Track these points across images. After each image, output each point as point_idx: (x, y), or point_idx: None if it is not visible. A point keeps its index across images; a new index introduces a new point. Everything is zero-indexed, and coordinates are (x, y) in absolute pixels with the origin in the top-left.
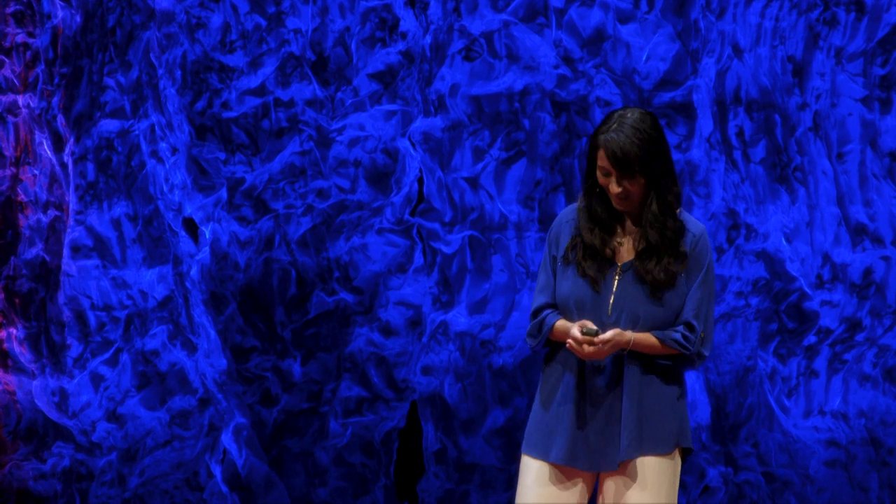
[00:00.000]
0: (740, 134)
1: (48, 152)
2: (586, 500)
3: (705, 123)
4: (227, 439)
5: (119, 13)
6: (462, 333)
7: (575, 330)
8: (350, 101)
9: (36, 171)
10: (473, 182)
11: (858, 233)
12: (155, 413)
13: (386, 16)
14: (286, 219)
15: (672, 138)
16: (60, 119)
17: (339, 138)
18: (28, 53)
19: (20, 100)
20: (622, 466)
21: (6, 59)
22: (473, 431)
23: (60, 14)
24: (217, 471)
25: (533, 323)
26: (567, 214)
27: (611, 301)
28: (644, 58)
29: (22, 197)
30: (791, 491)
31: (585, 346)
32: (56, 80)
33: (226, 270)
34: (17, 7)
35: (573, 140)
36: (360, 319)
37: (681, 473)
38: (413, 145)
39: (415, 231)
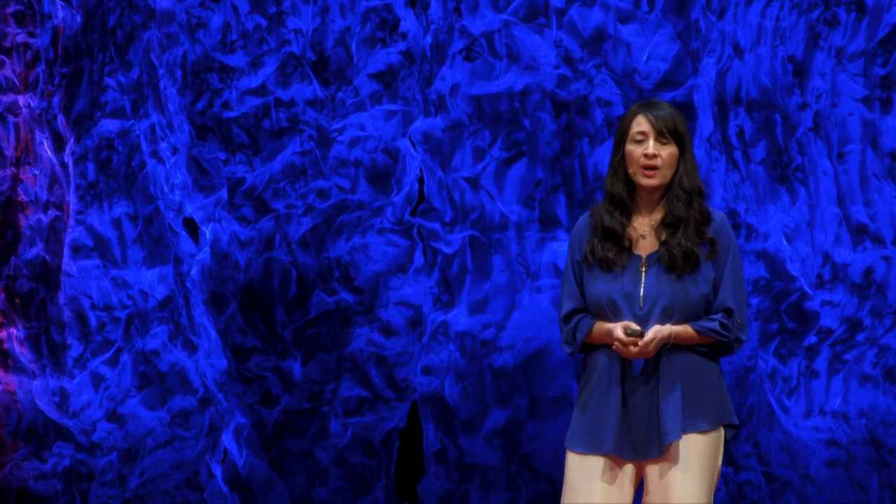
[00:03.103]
0: (741, 134)
1: (49, 152)
2: (633, 490)
3: (706, 123)
4: (227, 439)
5: (119, 13)
6: (462, 333)
7: (619, 331)
8: (350, 101)
9: (36, 171)
10: (474, 182)
11: (859, 233)
12: (155, 413)
13: (386, 16)
14: (287, 219)
15: None
16: (61, 119)
17: (339, 138)
18: (28, 53)
19: (21, 100)
20: (665, 449)
21: (7, 59)
22: (474, 431)
23: (61, 14)
24: (217, 471)
25: (566, 330)
26: (586, 219)
27: (640, 294)
28: (644, 58)
29: (22, 197)
30: (791, 491)
31: (631, 347)
32: (56, 80)
33: (226, 270)
34: (18, 7)
35: (574, 140)
36: (361, 319)
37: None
38: (413, 145)
39: (415, 231)
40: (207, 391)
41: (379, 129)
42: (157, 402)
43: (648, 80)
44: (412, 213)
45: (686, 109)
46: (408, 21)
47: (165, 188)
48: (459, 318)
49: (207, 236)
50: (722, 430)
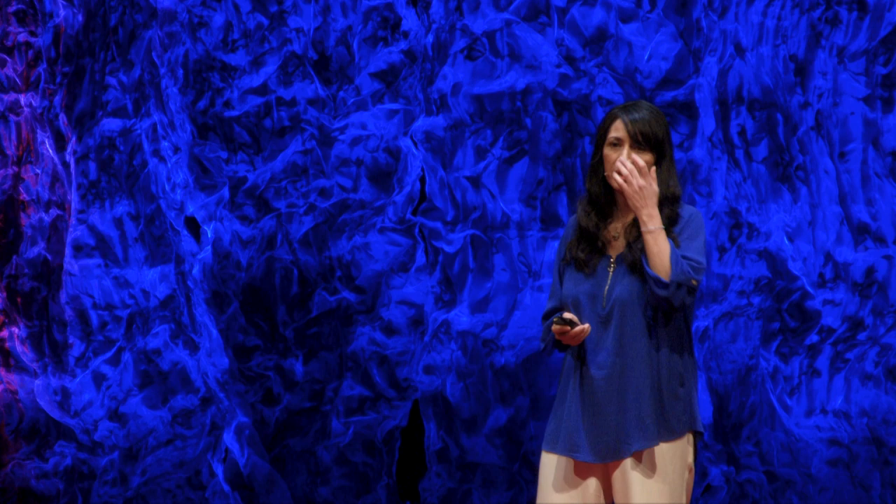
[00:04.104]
0: (742, 133)
1: (50, 151)
2: (601, 495)
3: (707, 122)
4: (229, 438)
5: (121, 12)
6: (464, 332)
7: (555, 324)
8: (352, 100)
9: (38, 170)
10: (475, 181)
11: (860, 232)
12: (157, 412)
13: (388, 15)
14: (288, 218)
15: (674, 137)
16: (62, 118)
17: (341, 137)
18: (30, 52)
19: (22, 99)
20: (630, 455)
21: (8, 58)
22: (475, 430)
23: (62, 13)
24: (219, 470)
25: (543, 327)
26: (572, 221)
27: (605, 292)
28: (646, 57)
29: (24, 196)
30: (793, 490)
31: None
32: (58, 79)
33: (228, 269)
34: (20, 6)
35: (575, 139)
36: (363, 318)
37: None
38: (415, 144)
39: (417, 230)
40: (209, 390)
41: (380, 128)
42: (159, 401)
43: (650, 79)
44: (414, 212)
45: (687, 108)
46: (409, 20)
47: (167, 187)
48: (461, 317)
49: (209, 235)
50: (690, 436)
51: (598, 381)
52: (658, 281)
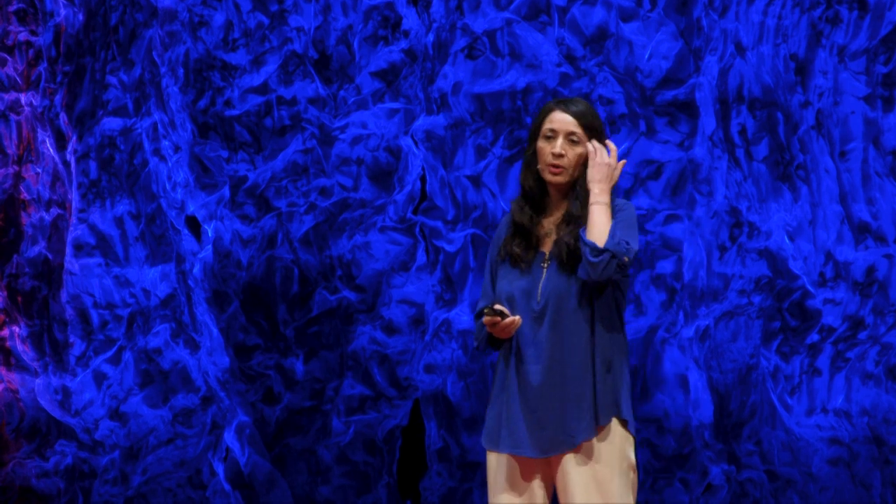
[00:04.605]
0: (743, 132)
1: (51, 150)
2: (546, 488)
3: (708, 121)
4: (229, 437)
5: (122, 11)
6: (465, 331)
7: (486, 316)
8: (353, 99)
9: (38, 169)
10: (476, 180)
11: (861, 231)
12: (158, 411)
13: (388, 14)
14: (289, 217)
15: (675, 136)
16: (63, 117)
17: (341, 136)
18: (31, 51)
19: (23, 98)
20: (568, 449)
21: (9, 58)
22: (476, 429)
23: (63, 12)
24: (220, 469)
25: (476, 326)
26: (506, 219)
27: (539, 288)
28: (647, 56)
29: (24, 195)
30: (794, 489)
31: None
32: (59, 79)
33: (228, 268)
34: (20, 5)
35: None
36: (363, 317)
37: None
38: (416, 143)
39: (417, 229)
40: (210, 389)
41: (381, 128)
42: (160, 400)
43: (650, 78)
44: (414, 212)
45: (688, 107)
46: (410, 19)
47: (168, 186)
48: (461, 316)
49: (209, 234)
50: (625, 426)
51: (536, 377)
52: (594, 248)
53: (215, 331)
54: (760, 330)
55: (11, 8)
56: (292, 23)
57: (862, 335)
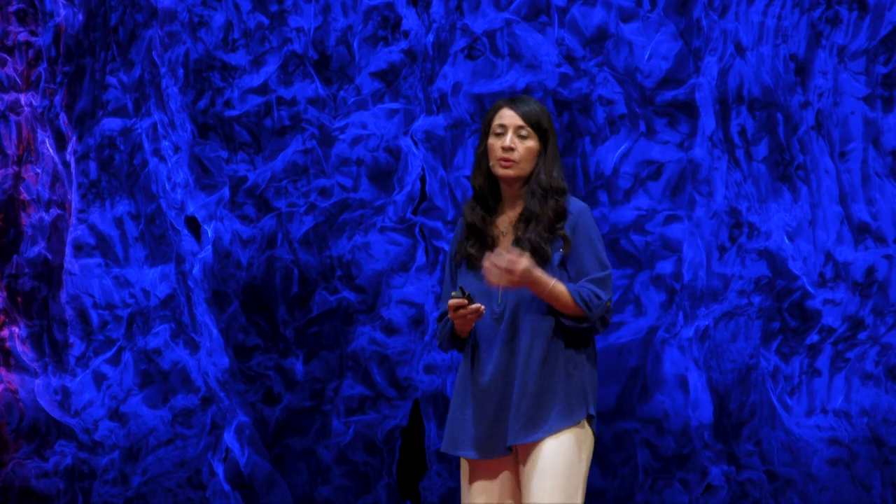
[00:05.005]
0: (742, 132)
1: (50, 151)
2: (509, 491)
3: (707, 122)
4: (229, 438)
5: (121, 11)
6: None
7: (451, 301)
8: (352, 99)
9: (38, 170)
10: None
11: (861, 231)
12: (157, 411)
13: (388, 14)
14: (289, 217)
15: (674, 137)
16: (63, 117)
17: (341, 137)
18: (30, 52)
19: (22, 98)
20: (524, 450)
21: (8, 58)
22: None
23: (63, 12)
24: (219, 469)
25: (439, 327)
26: (462, 220)
27: (500, 291)
28: (646, 56)
29: (24, 195)
30: (793, 489)
31: (498, 263)
32: (58, 79)
33: (228, 269)
34: (20, 5)
35: (575, 139)
36: (363, 318)
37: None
38: (415, 144)
39: (417, 229)
40: (209, 390)
41: (381, 128)
42: (159, 400)
43: (650, 78)
44: (414, 212)
45: (688, 108)
46: (410, 20)
47: (167, 187)
48: None
49: (209, 235)
50: (584, 425)
51: (496, 379)
52: (579, 325)
53: (215, 331)
54: (760, 330)
55: (11, 8)
56: (292, 23)
57: (862, 335)
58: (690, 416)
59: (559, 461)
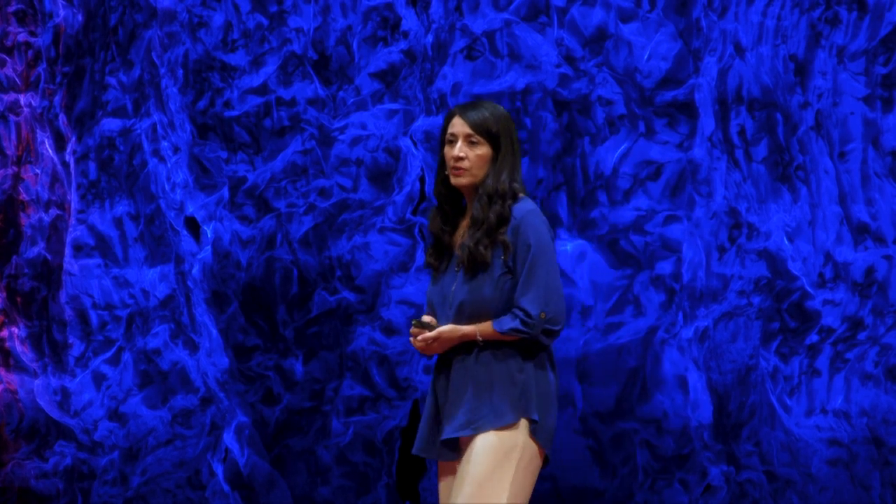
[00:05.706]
0: (742, 133)
1: (50, 151)
2: None
3: (707, 122)
4: (228, 438)
5: (121, 12)
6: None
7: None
8: (352, 99)
9: (38, 170)
10: None
11: (860, 232)
12: (157, 412)
13: (388, 15)
14: (288, 218)
15: (674, 137)
16: (62, 118)
17: (340, 137)
18: (30, 52)
19: (22, 99)
20: (464, 450)
21: (8, 58)
22: None
23: (62, 13)
24: (219, 469)
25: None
26: None
27: (451, 294)
28: (646, 57)
29: (24, 196)
30: (793, 490)
31: (418, 340)
32: (58, 79)
33: (228, 269)
34: (19, 6)
35: (575, 139)
36: (362, 318)
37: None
38: (415, 144)
39: (416, 230)
40: (209, 390)
41: (380, 128)
42: (159, 400)
43: (650, 78)
44: (413, 212)
45: (687, 108)
46: (409, 20)
47: (167, 187)
48: None
49: (209, 235)
50: (521, 429)
51: (440, 378)
52: (523, 336)
53: (214, 331)
54: (760, 331)
55: (11, 9)
56: (291, 24)
57: (861, 336)
58: (690, 417)
59: (481, 462)
